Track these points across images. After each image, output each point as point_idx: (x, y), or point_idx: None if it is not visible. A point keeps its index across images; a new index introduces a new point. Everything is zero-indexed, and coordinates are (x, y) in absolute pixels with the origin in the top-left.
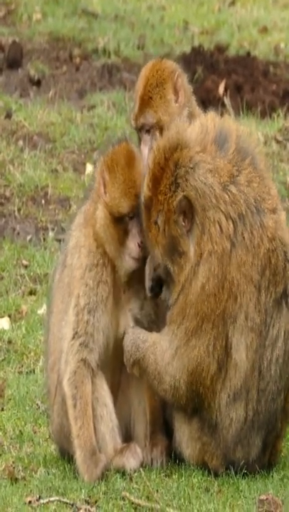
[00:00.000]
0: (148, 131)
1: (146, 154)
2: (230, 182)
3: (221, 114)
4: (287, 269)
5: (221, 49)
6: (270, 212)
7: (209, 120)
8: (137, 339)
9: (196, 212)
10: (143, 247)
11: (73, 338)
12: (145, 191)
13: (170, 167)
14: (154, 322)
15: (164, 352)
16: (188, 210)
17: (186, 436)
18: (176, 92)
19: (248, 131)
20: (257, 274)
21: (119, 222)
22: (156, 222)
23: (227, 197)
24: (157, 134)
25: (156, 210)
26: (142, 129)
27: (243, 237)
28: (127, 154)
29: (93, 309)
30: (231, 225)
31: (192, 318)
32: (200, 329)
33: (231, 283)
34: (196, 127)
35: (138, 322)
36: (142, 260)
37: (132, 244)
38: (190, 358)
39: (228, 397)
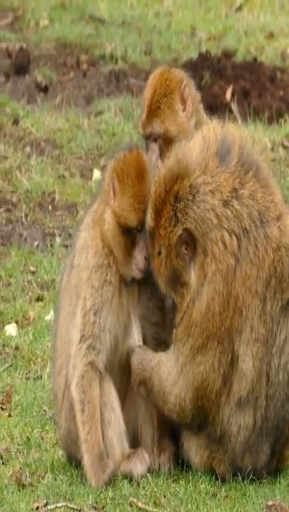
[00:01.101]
0: (155, 140)
1: (153, 162)
2: (232, 197)
3: (228, 120)
4: None
5: (228, 55)
6: (275, 221)
7: (211, 131)
8: (144, 359)
9: (197, 241)
10: (149, 261)
11: (80, 341)
12: (148, 221)
13: (170, 200)
14: (158, 323)
15: (170, 372)
16: (189, 240)
17: (194, 445)
18: (183, 102)
19: (252, 137)
20: (262, 286)
21: (127, 232)
22: (159, 254)
23: (230, 213)
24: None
25: (159, 244)
26: (149, 137)
27: (248, 252)
28: (138, 166)
29: (99, 310)
30: (235, 241)
31: (198, 336)
32: (205, 346)
33: (236, 299)
34: (198, 143)
35: (144, 321)
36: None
37: (139, 257)
38: (195, 374)
39: (233, 406)
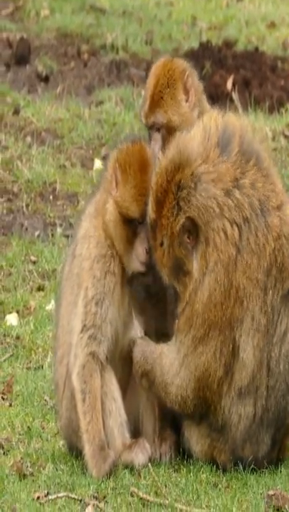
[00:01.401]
0: (158, 130)
1: (156, 152)
2: (233, 186)
3: (229, 110)
4: None
5: (229, 44)
6: (276, 210)
7: (212, 121)
8: (145, 351)
9: (200, 228)
10: (150, 253)
11: (82, 331)
12: (150, 213)
13: (172, 190)
14: (160, 314)
15: (172, 363)
16: (192, 228)
17: (195, 434)
18: (186, 92)
19: (253, 126)
20: (263, 275)
21: (129, 223)
22: (161, 244)
23: (231, 202)
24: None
25: (161, 234)
26: (152, 128)
27: (249, 241)
28: (140, 158)
29: (101, 300)
30: (236, 231)
31: (199, 326)
32: (207, 336)
33: (237, 288)
34: (199, 133)
35: (146, 313)
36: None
37: (140, 249)
38: (197, 364)
39: (234, 396)
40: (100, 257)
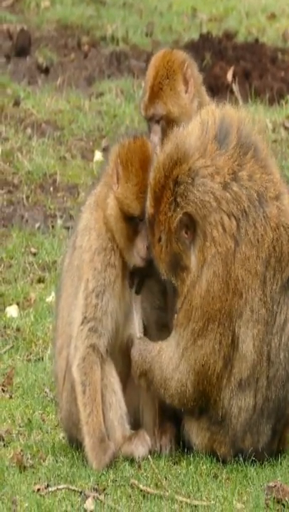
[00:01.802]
0: (158, 122)
1: (155, 144)
2: (231, 179)
3: (229, 101)
4: None
5: (229, 36)
6: (274, 200)
7: (210, 114)
8: (144, 350)
9: (197, 223)
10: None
11: (82, 323)
12: (148, 209)
13: (170, 185)
14: (161, 307)
15: (171, 357)
16: (189, 223)
17: (195, 427)
18: (186, 83)
19: (250, 118)
20: (262, 266)
21: (130, 220)
22: (159, 240)
23: (229, 195)
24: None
25: (159, 229)
26: (151, 119)
27: (247, 233)
28: (142, 155)
29: (101, 293)
30: (234, 223)
31: (198, 319)
32: (206, 329)
33: (236, 281)
34: (196, 127)
35: (147, 305)
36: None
37: (141, 245)
38: (197, 358)
39: (234, 388)
40: (101, 250)
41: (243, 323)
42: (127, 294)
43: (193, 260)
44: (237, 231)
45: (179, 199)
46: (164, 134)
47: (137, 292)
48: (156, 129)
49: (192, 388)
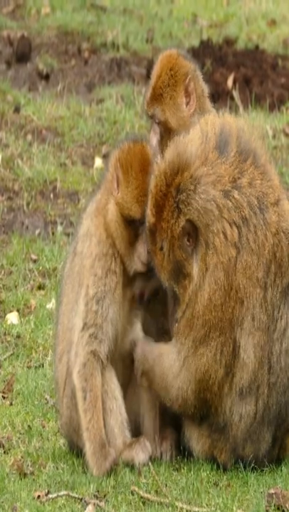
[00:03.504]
0: (158, 123)
1: (153, 144)
2: (232, 187)
3: (230, 108)
4: None
5: (229, 42)
6: (273, 206)
7: (209, 125)
8: (146, 350)
9: (199, 231)
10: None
11: (83, 329)
12: (149, 217)
13: (172, 193)
14: (162, 314)
15: (172, 365)
16: (192, 231)
17: (195, 434)
18: (187, 95)
19: (249, 125)
20: (262, 272)
21: (130, 224)
22: (161, 248)
23: (230, 203)
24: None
25: (161, 237)
26: (152, 118)
27: (248, 240)
28: (142, 159)
29: (102, 299)
30: (236, 231)
31: (200, 328)
32: (207, 337)
33: (238, 289)
34: (196, 136)
35: (147, 312)
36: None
37: (142, 249)
38: (198, 366)
39: (235, 396)
40: (101, 256)
41: (244, 331)
42: (127, 299)
43: (195, 268)
44: (238, 239)
45: (181, 206)
46: (162, 138)
47: (140, 303)
48: (156, 129)
49: (193, 396)
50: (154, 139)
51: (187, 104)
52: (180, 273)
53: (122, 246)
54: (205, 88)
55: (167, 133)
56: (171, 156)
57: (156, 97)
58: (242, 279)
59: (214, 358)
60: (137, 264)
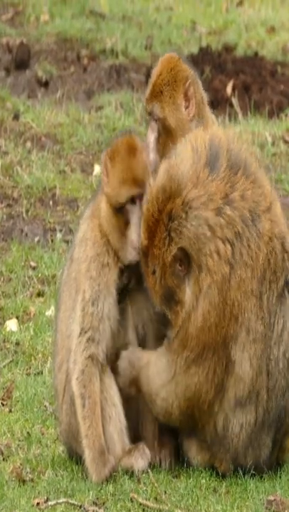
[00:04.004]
0: (156, 120)
1: (150, 141)
2: (224, 203)
3: (229, 115)
4: (285, 260)
5: (228, 49)
6: (265, 213)
7: (199, 140)
8: (132, 357)
9: (192, 257)
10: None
11: (80, 334)
12: (142, 240)
13: (163, 220)
14: (159, 319)
15: (159, 372)
16: (184, 257)
17: (194, 446)
18: (187, 99)
19: (239, 136)
20: (257, 284)
21: (120, 212)
22: (153, 272)
23: (223, 221)
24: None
25: (153, 262)
26: (150, 114)
27: (242, 255)
28: (128, 145)
29: (96, 299)
30: (229, 248)
31: (193, 348)
32: (201, 358)
33: (232, 306)
34: (188, 155)
35: (144, 315)
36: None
37: (133, 235)
38: (188, 385)
39: (230, 410)
40: (96, 256)
41: (238, 346)
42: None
43: (188, 293)
44: (232, 255)
45: (173, 234)
46: (160, 136)
47: (120, 302)
48: (154, 126)
49: (178, 411)
50: (151, 136)
51: (186, 108)
52: (172, 299)
53: (114, 238)
54: (204, 95)
55: (165, 131)
56: (163, 180)
57: (156, 94)
58: (236, 295)
59: (206, 379)
60: (131, 254)
